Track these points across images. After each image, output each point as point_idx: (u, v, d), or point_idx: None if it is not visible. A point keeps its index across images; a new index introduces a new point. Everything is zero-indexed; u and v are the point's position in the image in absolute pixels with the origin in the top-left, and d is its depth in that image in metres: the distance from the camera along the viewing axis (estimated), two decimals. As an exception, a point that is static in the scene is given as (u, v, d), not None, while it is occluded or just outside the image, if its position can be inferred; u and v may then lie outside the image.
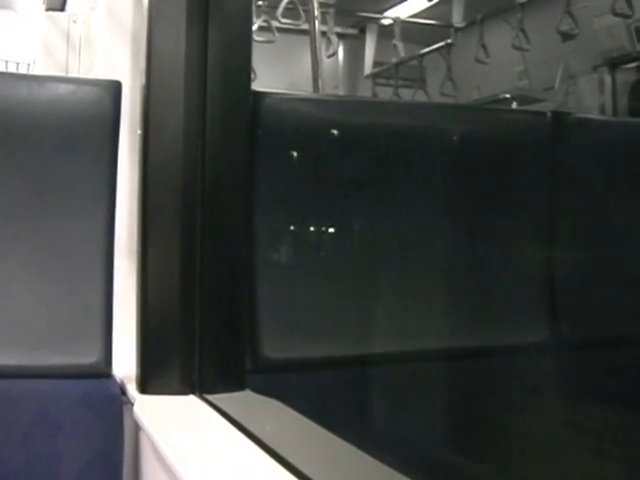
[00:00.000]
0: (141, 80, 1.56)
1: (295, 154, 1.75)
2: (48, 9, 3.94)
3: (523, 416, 1.89)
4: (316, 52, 3.54)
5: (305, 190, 1.76)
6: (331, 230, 1.80)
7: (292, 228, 1.75)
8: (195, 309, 1.53)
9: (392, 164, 1.84)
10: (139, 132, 1.56)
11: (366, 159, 1.82)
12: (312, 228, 1.77)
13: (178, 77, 1.53)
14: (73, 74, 3.30)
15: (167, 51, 1.54)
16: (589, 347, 2.00)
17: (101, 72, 1.87)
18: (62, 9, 4.01)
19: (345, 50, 7.11)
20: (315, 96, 2.86)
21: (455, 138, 1.94)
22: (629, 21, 4.59)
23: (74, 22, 3.56)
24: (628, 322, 2.03)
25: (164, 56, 1.54)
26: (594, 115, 4.51)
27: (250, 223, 1.65)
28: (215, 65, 1.55)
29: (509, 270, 1.96)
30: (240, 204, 1.61)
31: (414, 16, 6.23)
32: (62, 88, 1.62)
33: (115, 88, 1.62)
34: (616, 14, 4.30)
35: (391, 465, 1.10)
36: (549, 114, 2.03)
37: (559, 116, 2.05)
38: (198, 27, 1.54)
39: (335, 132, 1.80)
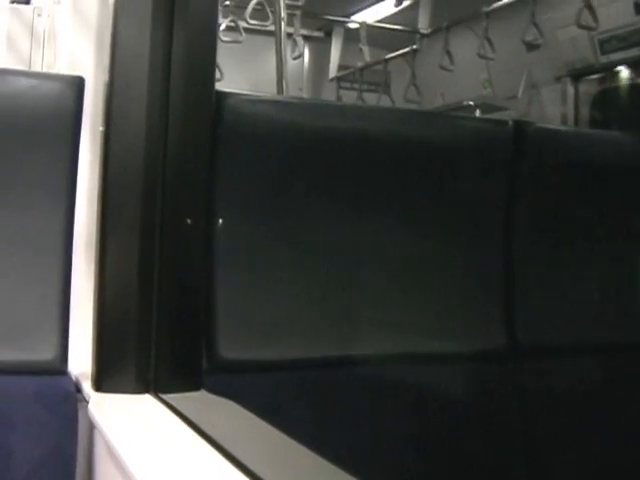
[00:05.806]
0: (104, 76, 1.56)
1: (256, 155, 1.75)
2: (13, 1, 3.90)
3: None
4: (281, 54, 3.54)
5: (266, 191, 1.76)
6: (292, 232, 1.80)
7: (252, 228, 1.75)
8: (152, 307, 1.53)
9: (349, 169, 1.85)
10: (101, 129, 1.56)
11: (326, 163, 1.82)
12: (272, 229, 1.77)
13: (142, 74, 1.53)
14: (36, 68, 3.27)
15: (131, 48, 1.53)
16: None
17: (64, 67, 1.85)
18: (27, 2, 3.96)
19: (310, 53, 7.11)
20: (279, 98, 2.86)
21: (417, 145, 1.95)
22: (593, 33, 4.63)
23: (39, 15, 3.52)
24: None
25: (128, 53, 1.53)
26: (555, 125, 4.55)
27: (210, 222, 1.65)
28: (179, 63, 1.55)
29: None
30: (200, 203, 1.61)
31: (381, 21, 6.25)
32: (24, 82, 1.60)
33: (78, 84, 1.61)
34: (580, 26, 4.34)
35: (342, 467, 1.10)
36: (511, 123, 2.05)
37: (521, 125, 2.07)
38: (163, 25, 1.54)
39: (298, 135, 1.80)
